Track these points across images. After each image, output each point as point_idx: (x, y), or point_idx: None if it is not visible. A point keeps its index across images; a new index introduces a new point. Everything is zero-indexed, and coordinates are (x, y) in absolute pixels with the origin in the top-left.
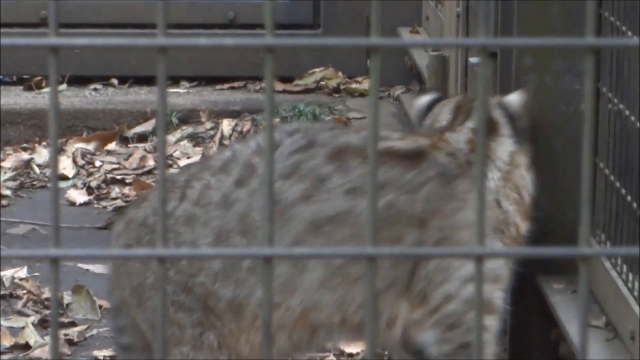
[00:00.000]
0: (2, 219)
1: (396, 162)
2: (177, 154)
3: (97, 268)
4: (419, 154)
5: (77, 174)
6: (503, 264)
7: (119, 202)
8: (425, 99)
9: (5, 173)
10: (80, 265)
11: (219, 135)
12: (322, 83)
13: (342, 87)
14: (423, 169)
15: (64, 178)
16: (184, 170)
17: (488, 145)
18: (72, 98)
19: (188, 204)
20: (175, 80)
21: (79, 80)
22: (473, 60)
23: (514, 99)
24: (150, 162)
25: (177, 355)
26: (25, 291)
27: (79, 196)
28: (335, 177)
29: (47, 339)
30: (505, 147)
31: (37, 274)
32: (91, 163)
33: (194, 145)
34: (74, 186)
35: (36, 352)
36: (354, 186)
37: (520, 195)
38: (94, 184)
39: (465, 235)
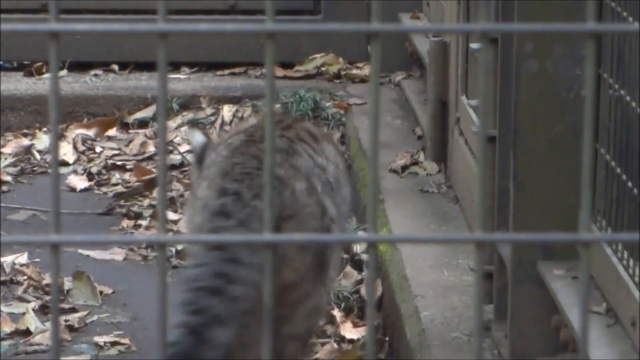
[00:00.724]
0: (2, 204)
1: None
2: (177, 139)
3: (98, 254)
4: None
5: (77, 160)
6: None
7: (119, 188)
8: (198, 140)
9: (5, 159)
10: (80, 251)
11: (219, 121)
12: (323, 69)
13: (342, 72)
14: None
15: (65, 164)
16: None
17: None
18: (73, 84)
19: (330, 163)
20: (175, 66)
21: (79, 66)
22: (474, 46)
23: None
24: (151, 148)
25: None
26: (25, 277)
27: (79, 182)
28: None
29: (48, 324)
30: None
31: (37, 259)
32: (92, 149)
33: None
34: (75, 172)
35: (37, 338)
36: None
37: None
38: (94, 169)
39: None
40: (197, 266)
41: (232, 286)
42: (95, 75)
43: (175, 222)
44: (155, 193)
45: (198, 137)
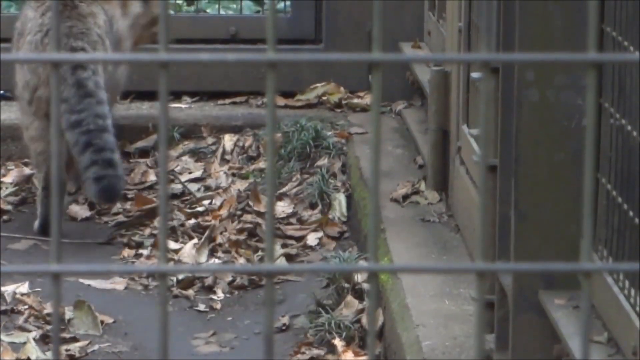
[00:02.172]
0: (3, 234)
1: None
2: (178, 169)
3: (99, 283)
4: None
5: (78, 189)
6: None
7: (120, 218)
8: None
9: (6, 188)
10: (81, 280)
11: (220, 150)
12: (324, 98)
13: (343, 102)
14: None
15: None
16: None
17: None
18: None
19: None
20: (177, 95)
21: None
22: (475, 75)
23: None
24: (152, 177)
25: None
26: (26, 306)
27: (80, 211)
28: None
29: (49, 354)
30: None
31: (38, 289)
32: None
33: (196, 161)
34: (76, 201)
35: None
36: None
37: None
38: None
39: None
40: (76, 111)
41: (103, 121)
42: None
43: (176, 251)
44: (156, 222)
45: None
